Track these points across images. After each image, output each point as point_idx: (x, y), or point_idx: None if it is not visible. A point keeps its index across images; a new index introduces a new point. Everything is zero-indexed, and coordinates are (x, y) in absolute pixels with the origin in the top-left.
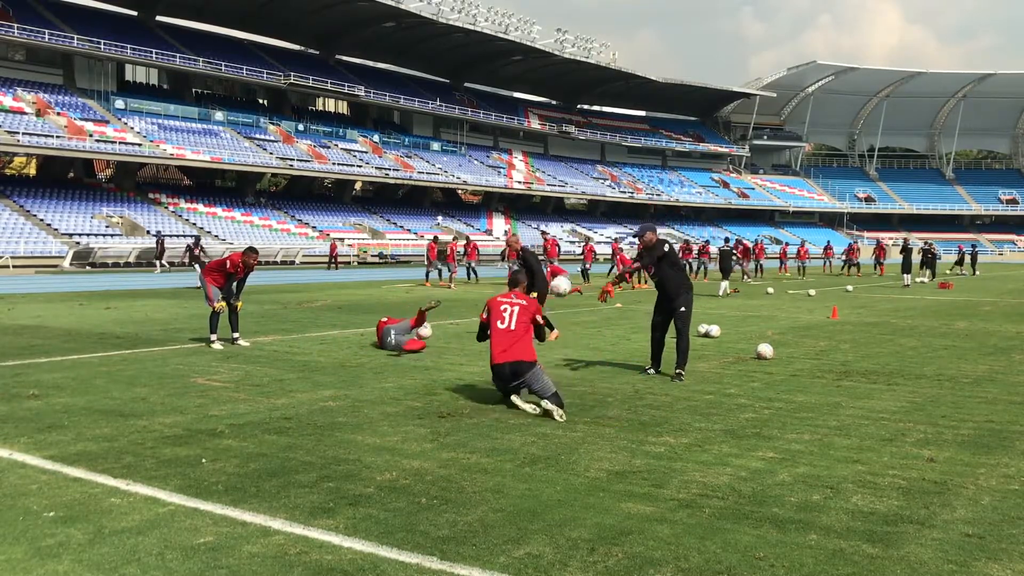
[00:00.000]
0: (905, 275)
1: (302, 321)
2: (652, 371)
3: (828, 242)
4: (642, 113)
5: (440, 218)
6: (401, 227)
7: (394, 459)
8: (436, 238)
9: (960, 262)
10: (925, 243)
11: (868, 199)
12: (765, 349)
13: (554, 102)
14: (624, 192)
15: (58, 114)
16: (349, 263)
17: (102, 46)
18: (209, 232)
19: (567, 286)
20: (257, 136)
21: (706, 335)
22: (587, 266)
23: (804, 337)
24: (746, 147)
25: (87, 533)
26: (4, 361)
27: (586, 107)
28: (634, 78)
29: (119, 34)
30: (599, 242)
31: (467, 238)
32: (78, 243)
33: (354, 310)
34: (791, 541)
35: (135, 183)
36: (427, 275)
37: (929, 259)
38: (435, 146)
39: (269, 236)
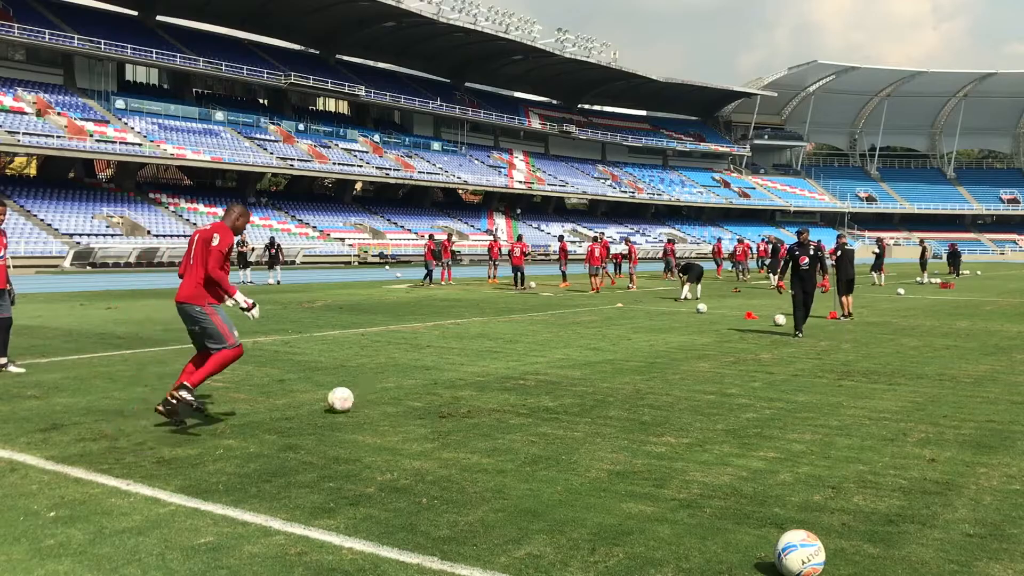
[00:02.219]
0: (873, 273)
1: (302, 321)
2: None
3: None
4: (643, 113)
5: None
6: (402, 227)
7: (394, 459)
8: (432, 236)
9: (951, 262)
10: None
11: (869, 199)
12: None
13: (555, 102)
14: (625, 192)
15: (58, 114)
16: (351, 262)
17: (102, 46)
18: None
19: None
20: (257, 136)
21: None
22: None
23: (805, 337)
24: (747, 147)
25: (88, 533)
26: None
27: (587, 107)
28: (635, 78)
29: (119, 34)
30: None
31: (449, 235)
32: (78, 243)
33: (354, 310)
34: None
35: (135, 183)
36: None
37: (924, 259)
38: (436, 146)
39: (269, 236)
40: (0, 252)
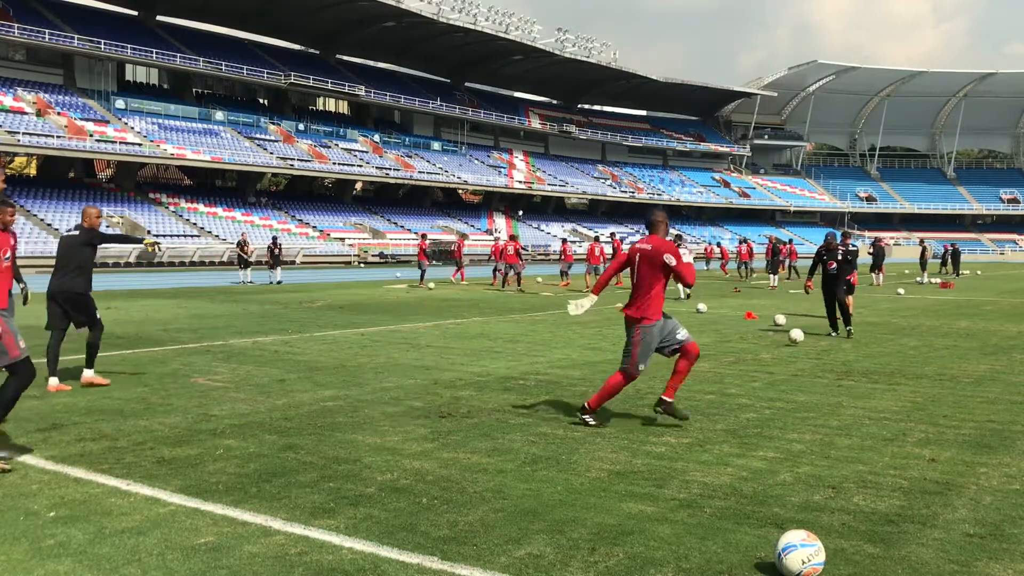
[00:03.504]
0: (872, 273)
1: (302, 321)
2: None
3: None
4: (643, 113)
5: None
6: (402, 227)
7: (394, 459)
8: (425, 236)
9: (945, 262)
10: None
11: (869, 198)
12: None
13: (555, 102)
14: (625, 192)
15: (58, 114)
16: (352, 262)
17: (102, 46)
18: (210, 232)
19: None
20: (257, 136)
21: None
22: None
23: (805, 336)
24: (747, 147)
25: (88, 533)
26: None
27: (587, 107)
28: (635, 77)
29: (119, 34)
30: (605, 241)
31: (463, 236)
32: None
33: (354, 310)
34: None
35: (135, 183)
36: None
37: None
38: (436, 146)
39: (269, 236)
40: (6, 253)
